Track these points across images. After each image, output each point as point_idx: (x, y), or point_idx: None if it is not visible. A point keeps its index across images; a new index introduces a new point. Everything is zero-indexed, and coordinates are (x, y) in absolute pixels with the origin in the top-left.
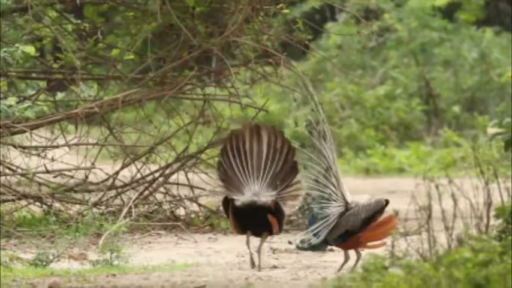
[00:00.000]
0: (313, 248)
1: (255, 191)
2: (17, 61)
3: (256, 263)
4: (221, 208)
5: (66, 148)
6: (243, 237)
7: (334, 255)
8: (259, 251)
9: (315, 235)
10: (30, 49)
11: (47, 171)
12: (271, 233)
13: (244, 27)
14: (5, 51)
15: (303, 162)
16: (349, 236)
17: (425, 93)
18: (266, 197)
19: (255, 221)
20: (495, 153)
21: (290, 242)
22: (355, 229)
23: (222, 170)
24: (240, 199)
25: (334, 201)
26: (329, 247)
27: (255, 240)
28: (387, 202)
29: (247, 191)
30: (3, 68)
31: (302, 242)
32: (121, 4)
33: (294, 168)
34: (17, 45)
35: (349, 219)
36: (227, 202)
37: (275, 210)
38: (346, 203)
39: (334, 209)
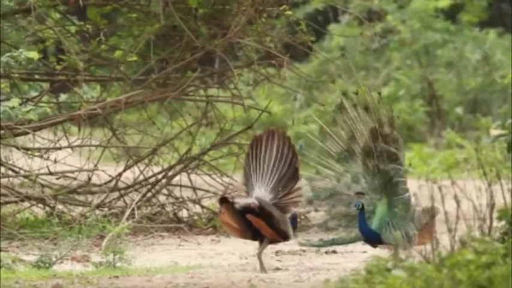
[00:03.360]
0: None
1: (258, 195)
2: (19, 63)
3: (258, 267)
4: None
5: (69, 150)
6: (247, 240)
7: (337, 257)
8: (259, 256)
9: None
10: (34, 54)
11: (50, 173)
12: (273, 240)
13: (247, 28)
14: (8, 56)
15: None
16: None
17: (428, 94)
18: (259, 199)
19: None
20: (498, 154)
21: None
22: None
23: (244, 174)
24: (240, 202)
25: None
26: (331, 248)
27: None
28: None
29: (253, 195)
30: (6, 70)
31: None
32: (124, 6)
33: (296, 174)
34: (20, 50)
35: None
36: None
37: (260, 212)
38: None
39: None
